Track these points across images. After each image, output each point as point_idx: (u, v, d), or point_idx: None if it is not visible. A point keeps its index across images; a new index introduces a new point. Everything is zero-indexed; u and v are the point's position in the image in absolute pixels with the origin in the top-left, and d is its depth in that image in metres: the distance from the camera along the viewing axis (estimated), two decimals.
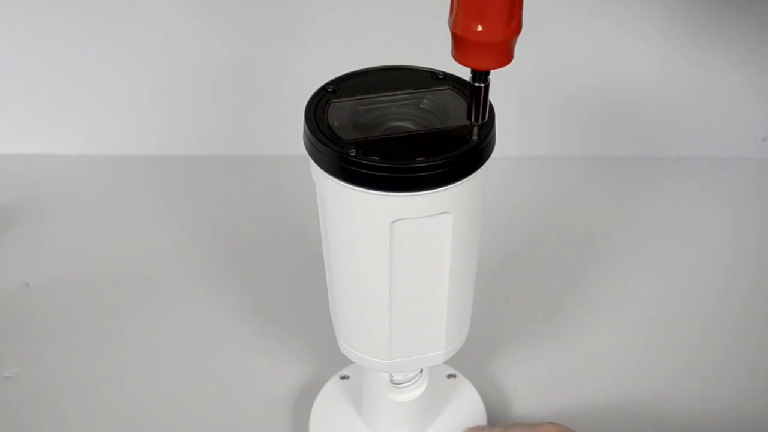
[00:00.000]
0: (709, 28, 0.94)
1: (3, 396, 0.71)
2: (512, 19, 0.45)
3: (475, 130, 0.49)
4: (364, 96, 0.52)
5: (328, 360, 0.72)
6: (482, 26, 0.44)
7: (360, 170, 0.47)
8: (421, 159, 0.47)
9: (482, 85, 0.48)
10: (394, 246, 0.50)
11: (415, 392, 0.63)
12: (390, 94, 0.52)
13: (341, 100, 0.52)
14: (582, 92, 0.98)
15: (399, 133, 0.50)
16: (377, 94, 0.52)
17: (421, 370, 0.63)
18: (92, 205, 0.94)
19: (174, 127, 1.00)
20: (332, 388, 0.70)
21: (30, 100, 0.98)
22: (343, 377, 0.71)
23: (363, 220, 0.50)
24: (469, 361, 0.71)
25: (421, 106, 0.53)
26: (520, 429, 0.61)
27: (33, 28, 0.93)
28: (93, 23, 0.93)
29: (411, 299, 0.54)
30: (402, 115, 0.52)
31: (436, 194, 0.48)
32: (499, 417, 0.70)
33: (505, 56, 0.46)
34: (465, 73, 0.55)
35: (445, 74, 0.54)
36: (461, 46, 0.46)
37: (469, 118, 0.49)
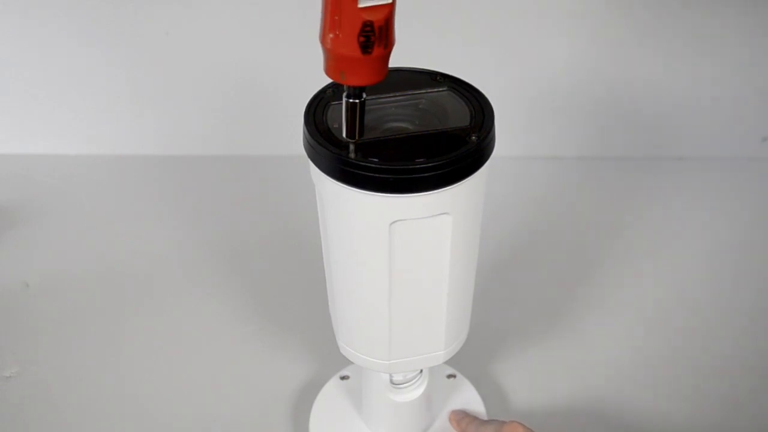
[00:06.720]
0: (709, 29, 0.94)
1: (3, 396, 0.71)
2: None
3: (474, 138, 0.49)
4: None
5: (328, 360, 0.72)
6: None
7: (359, 172, 0.47)
8: (420, 160, 0.47)
9: (357, 101, 0.47)
10: (394, 247, 0.50)
11: (415, 392, 0.63)
12: (389, 95, 0.52)
13: (340, 102, 0.52)
14: (582, 93, 0.98)
15: (398, 134, 0.50)
16: (376, 96, 0.52)
17: (421, 371, 0.63)
18: (92, 205, 0.94)
19: (174, 127, 1.00)
20: (332, 388, 0.70)
21: (30, 100, 0.98)
22: (343, 377, 0.71)
23: (362, 221, 0.50)
24: (469, 361, 0.71)
25: (420, 107, 0.52)
26: (491, 425, 0.61)
27: (33, 28, 0.93)
28: (93, 23, 0.93)
29: (411, 300, 0.54)
30: (401, 115, 0.52)
31: (436, 195, 0.48)
32: (499, 417, 0.70)
33: (381, 72, 0.45)
34: (465, 75, 0.55)
35: (444, 75, 0.54)
36: (335, 62, 0.45)
37: (347, 136, 0.48)
